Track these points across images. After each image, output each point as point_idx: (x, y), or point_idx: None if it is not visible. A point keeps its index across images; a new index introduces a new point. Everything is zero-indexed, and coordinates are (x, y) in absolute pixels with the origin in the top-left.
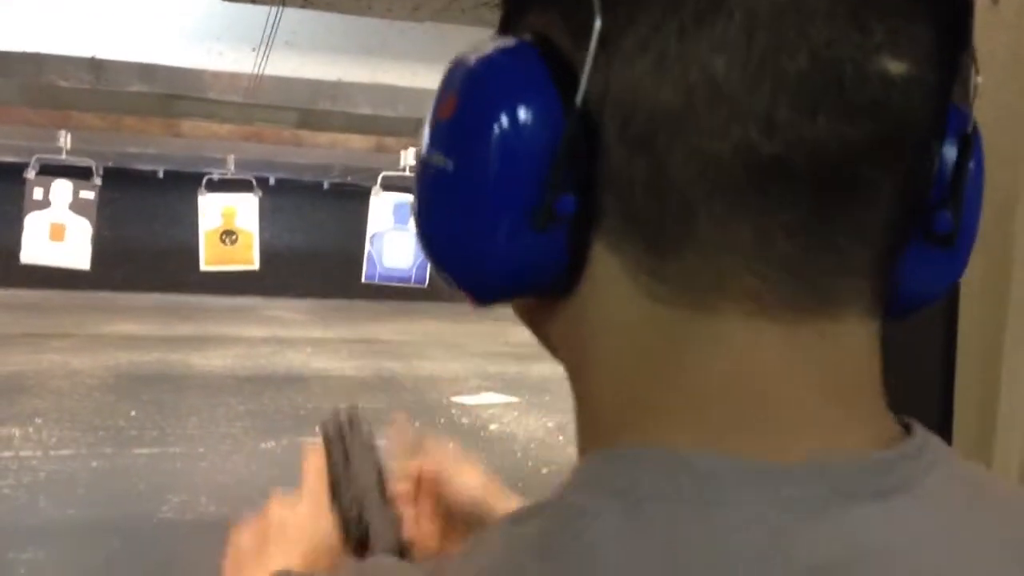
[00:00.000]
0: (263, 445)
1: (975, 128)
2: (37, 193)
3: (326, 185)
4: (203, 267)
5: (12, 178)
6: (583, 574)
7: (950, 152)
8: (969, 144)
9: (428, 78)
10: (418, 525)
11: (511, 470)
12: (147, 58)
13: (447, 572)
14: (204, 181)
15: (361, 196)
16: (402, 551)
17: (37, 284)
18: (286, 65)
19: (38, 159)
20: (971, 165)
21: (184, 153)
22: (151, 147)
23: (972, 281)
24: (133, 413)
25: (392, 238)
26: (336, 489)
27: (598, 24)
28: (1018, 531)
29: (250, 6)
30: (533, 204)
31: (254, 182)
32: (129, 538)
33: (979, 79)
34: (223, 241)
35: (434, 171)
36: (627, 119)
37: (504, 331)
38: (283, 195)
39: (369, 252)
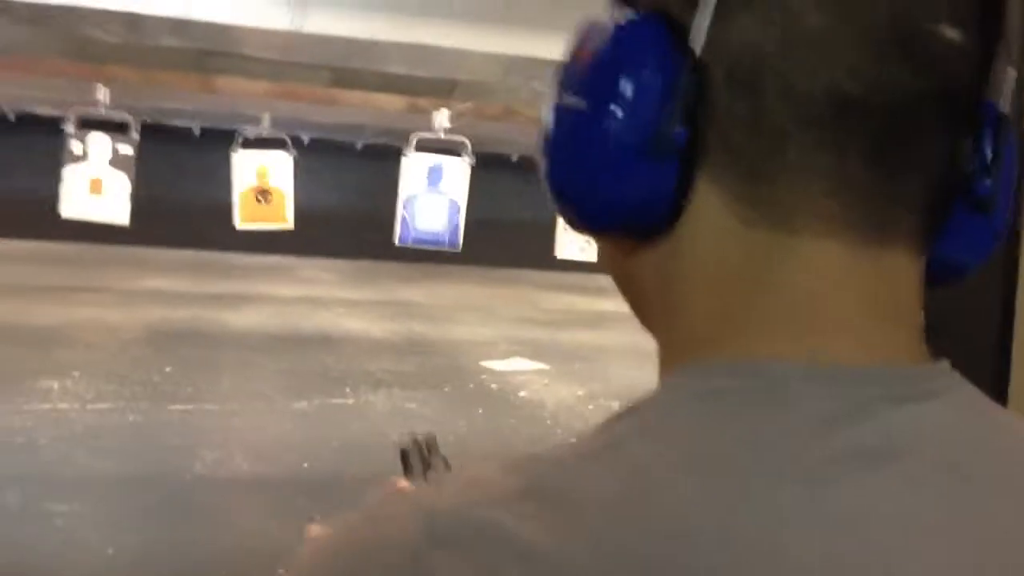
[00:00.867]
0: (295, 405)
1: (1016, 100)
2: (75, 147)
3: (359, 145)
4: (238, 226)
5: (49, 131)
6: (675, 449)
7: (991, 121)
8: (1007, 116)
9: (462, 38)
10: None
11: (540, 438)
12: (181, 13)
13: (543, 461)
14: (238, 139)
15: (392, 157)
16: None
17: (71, 237)
18: (321, 22)
19: (76, 112)
20: (1010, 137)
21: (219, 110)
22: (186, 103)
23: None
24: (168, 369)
25: (425, 201)
26: None
27: None
28: None
29: None
30: (652, 136)
31: (288, 141)
32: (164, 493)
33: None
34: (257, 200)
35: (569, 111)
36: (732, 66)
37: (535, 297)
38: (316, 154)
39: (403, 215)
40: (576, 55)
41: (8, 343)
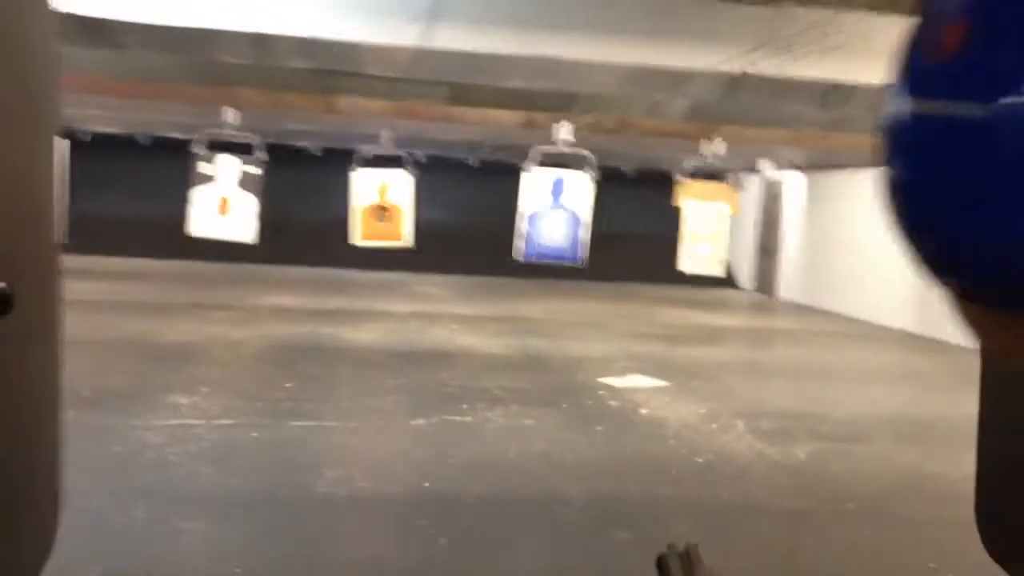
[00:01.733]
0: (413, 422)
1: None
2: (204, 168)
3: (472, 161)
4: (356, 243)
5: (179, 154)
6: None
7: None
8: None
9: (585, 49)
10: None
11: (663, 458)
12: (308, 32)
13: None
14: (356, 157)
15: (509, 172)
16: None
17: (198, 256)
18: (447, 37)
19: (205, 135)
20: None
21: (338, 130)
22: (309, 123)
23: None
24: (289, 385)
25: (548, 215)
26: None
27: None
28: None
29: None
30: None
31: (408, 158)
32: (288, 511)
33: None
34: (376, 217)
35: (944, 125)
36: None
37: (652, 312)
38: (432, 171)
39: (526, 230)
40: (935, 33)
41: (142, 359)
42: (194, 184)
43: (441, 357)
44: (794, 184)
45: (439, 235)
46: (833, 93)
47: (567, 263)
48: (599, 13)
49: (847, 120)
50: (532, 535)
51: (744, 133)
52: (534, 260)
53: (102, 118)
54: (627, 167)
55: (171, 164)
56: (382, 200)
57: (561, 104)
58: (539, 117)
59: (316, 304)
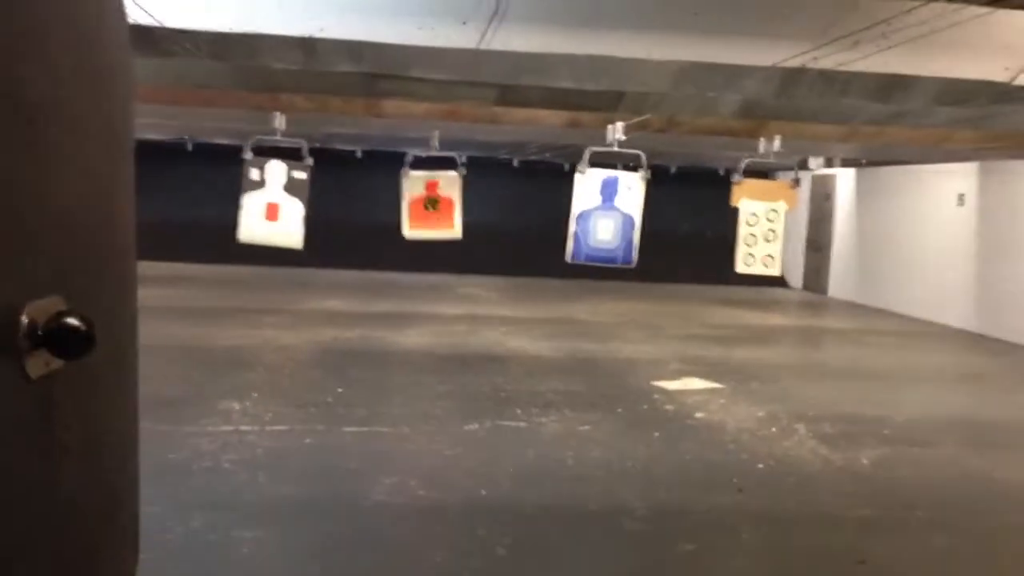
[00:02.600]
0: (466, 427)
1: None
2: (254, 174)
3: (519, 162)
4: (406, 233)
5: (226, 159)
6: None
7: None
8: None
9: (639, 47)
10: None
11: (724, 464)
12: (358, 35)
13: None
14: (409, 158)
15: (554, 173)
16: None
17: (248, 260)
18: (494, 39)
19: (253, 140)
20: None
21: (384, 132)
22: (355, 127)
23: None
24: (340, 390)
25: (600, 216)
26: None
27: None
28: None
29: None
30: None
31: (458, 159)
32: (345, 519)
33: None
34: (426, 207)
35: None
36: None
37: (699, 312)
38: (476, 173)
39: (575, 231)
40: None
41: (193, 364)
42: (245, 190)
43: (491, 360)
44: (846, 180)
45: (484, 236)
46: (893, 86)
47: (619, 265)
48: (656, 10)
49: (904, 114)
50: (593, 545)
51: (797, 128)
52: (584, 262)
53: (149, 125)
54: (675, 166)
55: (217, 169)
56: (432, 193)
57: (608, 104)
58: (585, 117)
59: (364, 307)
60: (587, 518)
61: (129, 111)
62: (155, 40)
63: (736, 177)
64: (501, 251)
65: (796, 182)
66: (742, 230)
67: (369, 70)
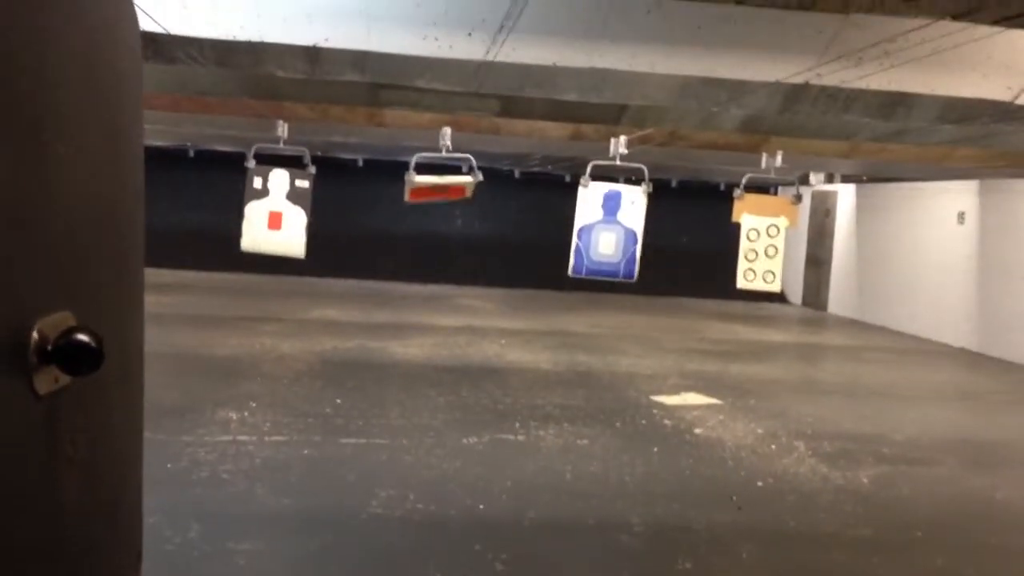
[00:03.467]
0: (464, 440)
1: None
2: (257, 182)
3: (517, 174)
4: (407, 200)
5: (226, 166)
6: None
7: None
8: None
9: (643, 61)
10: None
11: (724, 481)
12: (362, 45)
13: None
14: (413, 163)
15: (554, 185)
16: None
17: (248, 268)
18: (500, 51)
19: (258, 148)
20: None
21: (384, 143)
22: (357, 136)
23: None
24: (339, 400)
25: (602, 230)
26: None
27: None
28: None
29: None
30: None
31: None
32: (341, 532)
33: None
34: (432, 187)
35: None
36: None
37: (698, 327)
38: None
39: (577, 245)
40: None
41: (191, 373)
42: (248, 199)
43: (490, 373)
44: (846, 196)
45: (484, 247)
46: (896, 104)
47: (620, 279)
48: (660, 24)
49: (906, 131)
50: (591, 561)
51: (799, 144)
52: (586, 276)
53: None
54: (675, 180)
55: (219, 176)
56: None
57: (611, 117)
58: (587, 130)
59: (363, 317)
60: (585, 533)
61: (138, 121)
62: (159, 47)
63: (738, 192)
64: (501, 263)
65: (798, 198)
66: (743, 245)
67: (373, 80)
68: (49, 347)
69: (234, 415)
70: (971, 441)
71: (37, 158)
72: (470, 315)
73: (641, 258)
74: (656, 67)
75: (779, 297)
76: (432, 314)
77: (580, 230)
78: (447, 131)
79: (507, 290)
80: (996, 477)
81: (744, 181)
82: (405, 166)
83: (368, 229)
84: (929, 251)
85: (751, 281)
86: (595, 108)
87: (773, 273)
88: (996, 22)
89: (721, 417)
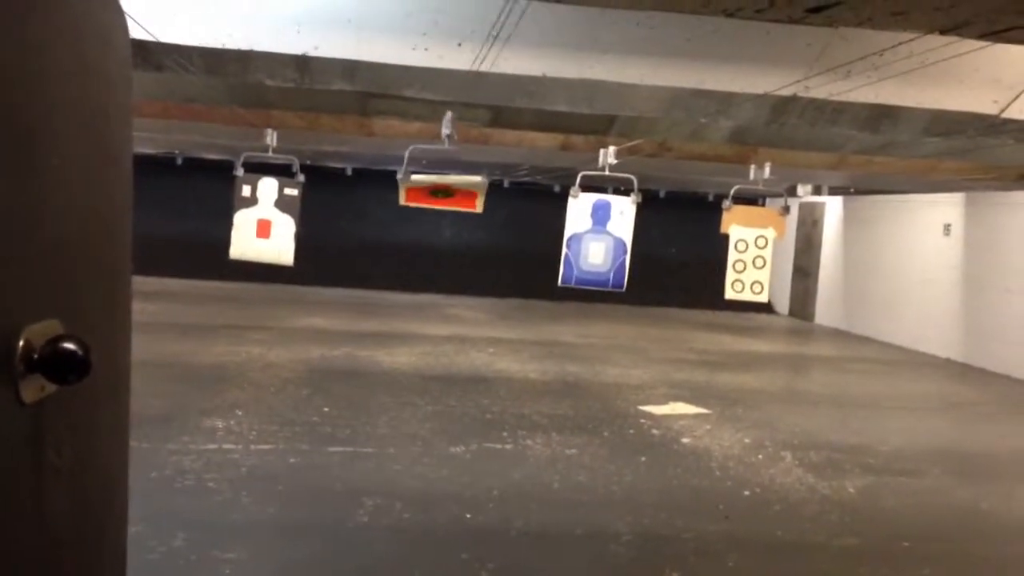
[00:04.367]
0: (452, 449)
1: None
2: (245, 191)
3: (506, 184)
4: (400, 200)
5: (214, 174)
6: None
7: None
8: None
9: (632, 72)
10: None
11: (710, 491)
12: (352, 55)
13: None
14: (408, 153)
15: (543, 195)
16: None
17: (236, 276)
18: (490, 61)
19: (247, 156)
20: None
21: (373, 151)
22: (346, 145)
23: None
24: (326, 409)
25: (592, 240)
26: None
27: None
28: None
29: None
30: None
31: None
32: (328, 541)
33: None
34: (430, 190)
35: None
36: None
37: (686, 337)
38: None
39: (566, 254)
40: None
41: (178, 381)
42: (236, 208)
43: (478, 382)
44: (834, 207)
45: (473, 257)
46: (883, 116)
47: (609, 289)
48: (649, 36)
49: (893, 144)
50: (578, 571)
51: (787, 156)
52: (576, 286)
53: (139, 138)
54: (663, 190)
55: (207, 184)
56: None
57: (600, 127)
58: (577, 140)
59: (351, 326)
60: (573, 543)
61: (128, 130)
62: (148, 54)
63: (726, 203)
64: (490, 272)
65: (785, 210)
66: (731, 256)
67: (362, 89)
68: (35, 355)
69: (220, 423)
70: (956, 451)
71: (26, 167)
72: (459, 324)
73: (630, 268)
74: (645, 79)
75: (766, 308)
76: (420, 323)
77: (569, 240)
78: (449, 115)
79: (496, 299)
80: (981, 487)
81: (732, 192)
82: (395, 174)
83: (357, 238)
84: (915, 263)
85: (739, 292)
86: (585, 119)
87: (761, 284)
88: (983, 36)
89: (708, 427)
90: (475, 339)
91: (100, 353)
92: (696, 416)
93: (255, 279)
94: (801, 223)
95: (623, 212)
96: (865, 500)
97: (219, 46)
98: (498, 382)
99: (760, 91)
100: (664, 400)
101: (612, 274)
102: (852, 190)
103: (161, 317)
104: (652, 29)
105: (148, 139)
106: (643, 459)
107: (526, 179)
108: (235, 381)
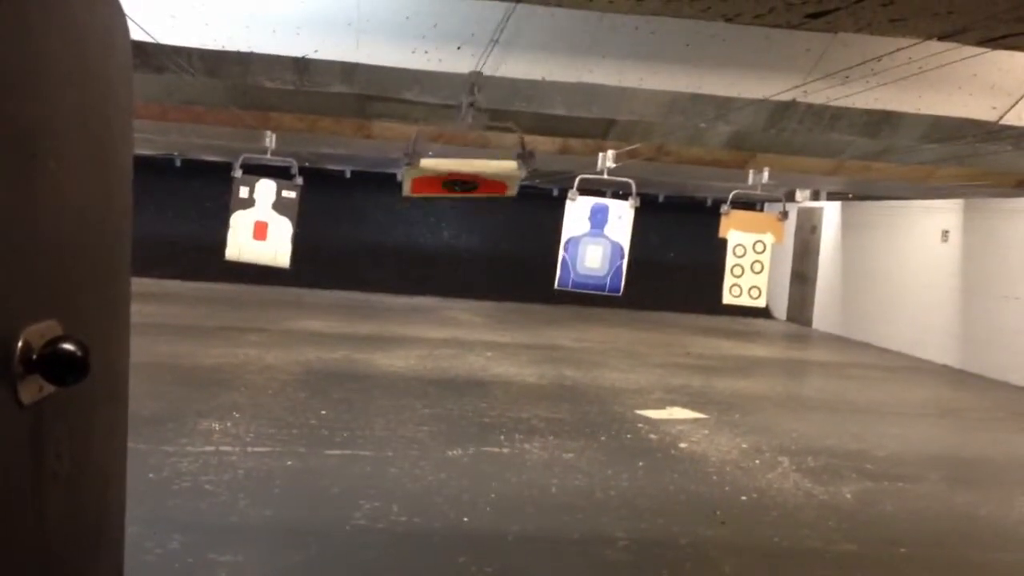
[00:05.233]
0: (449, 452)
1: None
2: (243, 192)
3: None
4: (403, 191)
5: (215, 176)
6: None
7: None
8: None
9: (631, 76)
10: None
11: (707, 496)
12: (351, 57)
13: None
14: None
15: (540, 199)
16: None
17: (233, 278)
18: (489, 65)
19: (245, 158)
20: None
21: (371, 154)
22: (344, 148)
23: None
24: (323, 412)
25: (589, 244)
26: None
27: None
28: None
29: (462, 3)
30: None
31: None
32: (324, 544)
33: None
34: (448, 186)
35: None
36: None
37: (683, 341)
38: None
39: (564, 258)
40: None
41: (175, 383)
42: (234, 209)
43: (476, 385)
44: (832, 213)
45: (470, 260)
46: (881, 122)
47: (606, 293)
48: (648, 40)
49: (891, 149)
50: (575, 575)
51: (785, 161)
52: (572, 289)
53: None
54: (662, 195)
55: (205, 186)
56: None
57: (598, 131)
58: (575, 144)
59: (348, 329)
60: (570, 547)
61: (128, 133)
62: (147, 55)
63: (724, 208)
64: (488, 276)
65: (784, 215)
66: (729, 261)
67: (361, 91)
68: (34, 356)
69: (217, 425)
70: (953, 457)
71: (26, 168)
72: (456, 327)
73: (627, 272)
74: (644, 83)
75: (764, 313)
76: (418, 326)
77: (567, 243)
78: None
79: (493, 303)
80: (978, 494)
81: (731, 197)
82: (393, 177)
83: (355, 240)
84: (913, 269)
85: (737, 296)
86: (583, 123)
87: (759, 289)
88: (981, 43)
89: (706, 432)
90: (472, 342)
91: (99, 354)
92: (693, 421)
93: (252, 281)
94: (799, 228)
95: (621, 216)
96: (862, 506)
97: (219, 48)
98: (495, 386)
99: (759, 96)
100: (661, 405)
101: (609, 278)
102: (850, 196)
103: (159, 319)
104: (651, 34)
105: (147, 140)
106: (640, 464)
107: (524, 182)
108: (232, 383)
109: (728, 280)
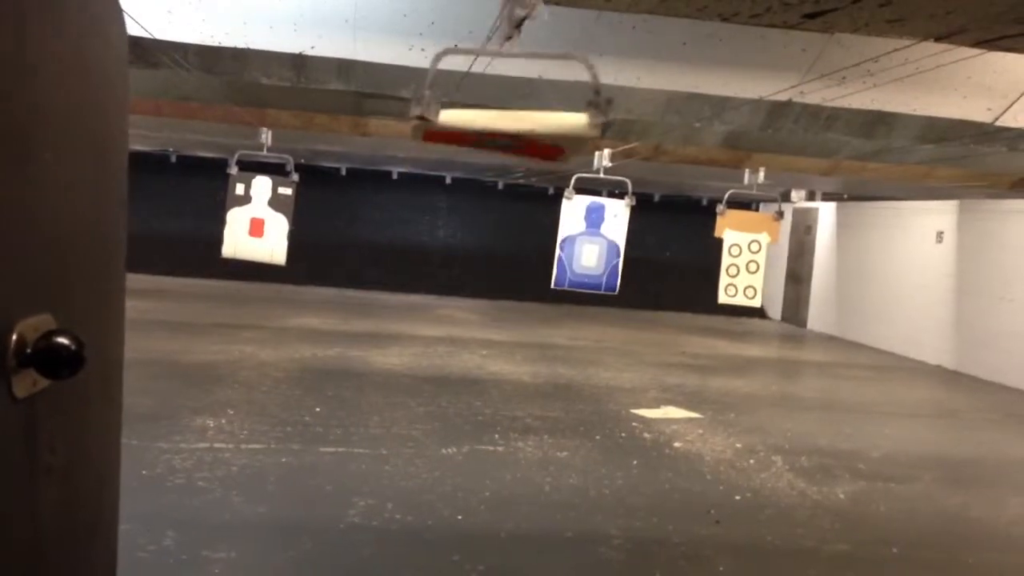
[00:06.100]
0: (444, 450)
1: None
2: (239, 189)
3: (500, 186)
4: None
5: (211, 173)
6: None
7: None
8: None
9: (628, 75)
10: None
11: (701, 495)
12: (348, 54)
13: None
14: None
15: (536, 197)
16: None
17: (228, 275)
18: (484, 62)
19: (241, 154)
20: None
21: (368, 152)
22: (340, 145)
23: None
24: (318, 409)
25: (585, 243)
26: None
27: None
28: None
29: (459, 1)
30: None
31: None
32: (318, 542)
33: None
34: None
35: None
36: None
37: (678, 340)
38: (460, 194)
39: (560, 256)
40: None
41: (169, 379)
42: (230, 206)
43: (471, 383)
44: (827, 213)
45: (466, 258)
46: (877, 123)
47: (602, 292)
48: (645, 39)
49: (887, 150)
50: (568, 574)
51: (781, 161)
52: (568, 288)
53: (133, 136)
54: (658, 194)
55: (201, 182)
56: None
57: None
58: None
59: (344, 326)
60: (563, 545)
61: (123, 128)
62: (143, 51)
63: (720, 208)
64: (483, 274)
65: (779, 215)
66: (725, 260)
67: (358, 89)
68: (28, 349)
69: (211, 422)
70: (946, 458)
71: (21, 162)
72: (451, 325)
73: (623, 271)
74: (641, 82)
75: (759, 313)
76: (413, 324)
77: (563, 242)
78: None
79: (489, 301)
80: (971, 495)
81: (727, 197)
82: (388, 175)
83: (350, 238)
84: (908, 269)
85: (732, 296)
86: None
87: (754, 288)
88: (977, 44)
89: (700, 431)
90: (468, 341)
91: (93, 349)
92: (688, 420)
93: (248, 278)
94: (794, 228)
95: (617, 215)
96: (856, 506)
97: (216, 44)
98: (490, 384)
99: (755, 96)
100: (656, 404)
101: (605, 277)
102: (845, 196)
103: (153, 315)
104: (648, 33)
105: (142, 136)
106: (634, 462)
107: (521, 181)
108: (227, 380)
109: (723, 280)
